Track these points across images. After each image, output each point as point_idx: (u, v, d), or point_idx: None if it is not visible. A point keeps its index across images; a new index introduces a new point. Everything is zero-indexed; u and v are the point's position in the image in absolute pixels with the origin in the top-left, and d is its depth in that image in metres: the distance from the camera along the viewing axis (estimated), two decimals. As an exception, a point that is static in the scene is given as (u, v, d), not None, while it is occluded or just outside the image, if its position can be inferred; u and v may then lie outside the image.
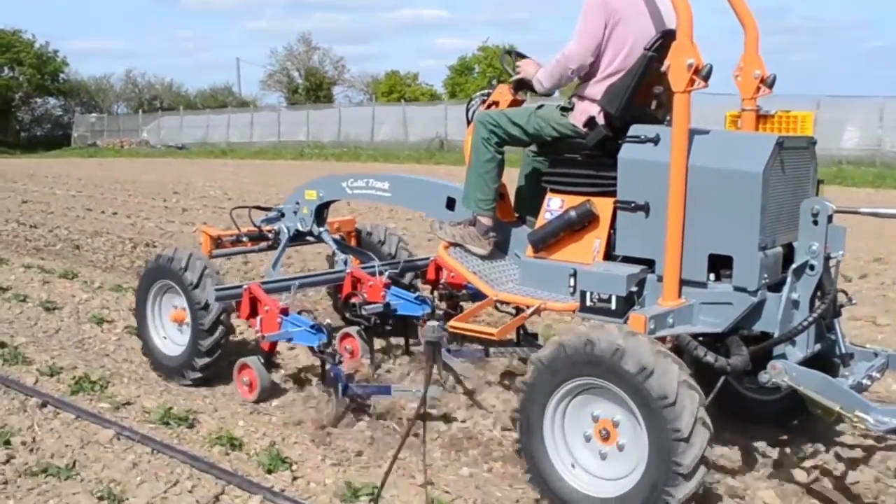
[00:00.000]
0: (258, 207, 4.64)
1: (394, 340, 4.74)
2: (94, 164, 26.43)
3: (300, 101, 42.00)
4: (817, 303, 3.03)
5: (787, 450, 3.56)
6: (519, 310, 3.68)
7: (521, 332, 4.26)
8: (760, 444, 3.60)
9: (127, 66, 72.63)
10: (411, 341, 4.50)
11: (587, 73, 3.41)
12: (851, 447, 3.52)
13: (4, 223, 10.52)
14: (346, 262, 4.39)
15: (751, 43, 3.49)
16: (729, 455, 3.51)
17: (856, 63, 78.51)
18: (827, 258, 3.08)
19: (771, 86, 3.49)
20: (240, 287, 3.94)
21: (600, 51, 3.30)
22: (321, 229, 4.46)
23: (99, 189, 15.80)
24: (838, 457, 3.49)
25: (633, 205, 3.19)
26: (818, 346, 3.25)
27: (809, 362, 3.10)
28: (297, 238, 4.58)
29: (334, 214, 5.11)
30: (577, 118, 3.36)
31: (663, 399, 2.61)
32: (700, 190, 3.05)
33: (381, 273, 4.22)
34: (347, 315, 4.33)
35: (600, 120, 3.32)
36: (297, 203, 4.50)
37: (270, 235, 4.55)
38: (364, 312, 4.09)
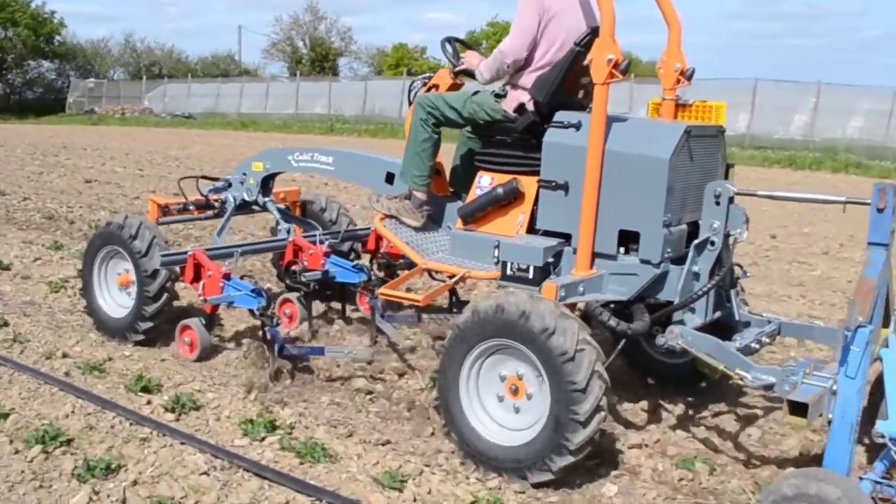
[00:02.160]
0: (206, 178, 4.84)
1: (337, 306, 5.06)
2: (113, 133, 24.97)
3: (304, 72, 41.02)
4: (714, 274, 3.35)
5: (690, 409, 3.91)
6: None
7: (454, 299, 4.55)
8: (669, 404, 4.05)
9: (106, 30, 69.78)
10: (348, 307, 4.74)
11: (521, 64, 3.68)
12: (750, 407, 3.90)
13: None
14: (288, 231, 4.60)
15: (673, 39, 3.87)
16: (636, 410, 3.89)
17: (852, 51, 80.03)
18: (727, 235, 3.42)
19: (690, 78, 3.87)
20: (185, 253, 4.19)
21: (535, 45, 3.57)
22: (266, 199, 4.72)
23: (162, 166, 14.64)
24: (736, 414, 3.97)
25: (554, 184, 3.53)
26: (717, 315, 3.59)
27: (710, 328, 3.50)
28: (244, 207, 4.77)
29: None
30: (509, 104, 3.68)
31: (563, 355, 2.98)
32: (613, 172, 3.40)
33: (321, 242, 4.45)
34: (288, 282, 4.56)
35: (530, 107, 3.65)
36: (244, 174, 4.75)
37: (217, 204, 4.72)
38: (303, 279, 4.33)
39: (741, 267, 3.78)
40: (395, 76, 36.59)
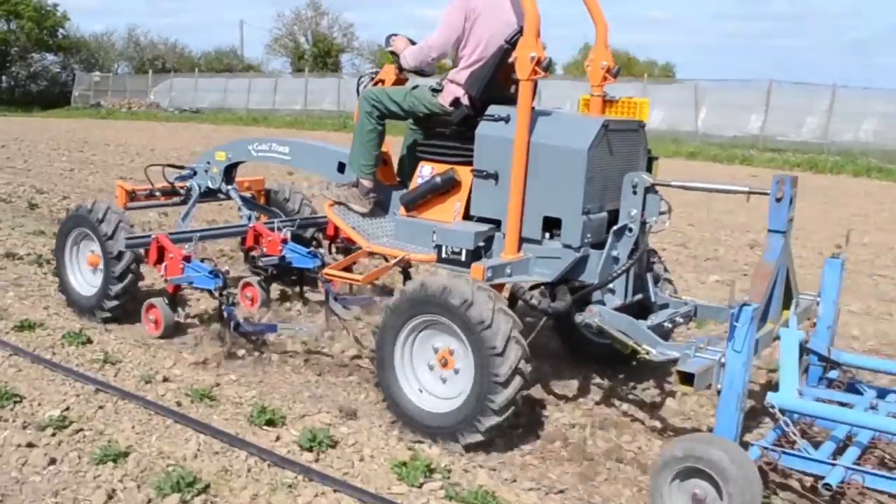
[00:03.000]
0: (172, 166, 5.11)
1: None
2: (127, 128, 24.86)
3: (307, 68, 41.11)
4: (629, 259, 3.60)
5: (619, 385, 4.36)
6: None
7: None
8: (600, 380, 4.42)
9: (101, 24, 69.99)
10: (305, 290, 4.99)
11: (456, 60, 3.92)
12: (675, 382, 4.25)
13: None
14: (249, 218, 4.85)
15: (600, 38, 4.15)
16: (570, 385, 4.28)
17: (840, 52, 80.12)
18: (643, 223, 3.66)
19: (615, 76, 4.11)
20: (148, 236, 4.42)
21: (461, 42, 3.86)
22: (229, 187, 4.99)
23: (191, 163, 14.76)
24: (661, 389, 4.33)
25: (485, 173, 3.81)
26: (638, 297, 3.83)
27: (633, 310, 3.84)
28: (209, 195, 5.02)
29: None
30: (445, 98, 3.94)
31: (481, 323, 3.31)
32: (538, 162, 3.68)
33: (279, 229, 4.70)
34: (249, 266, 4.80)
35: (464, 101, 3.92)
36: (208, 163, 4.99)
37: (182, 192, 4.97)
38: (261, 264, 4.57)
39: (656, 252, 4.03)
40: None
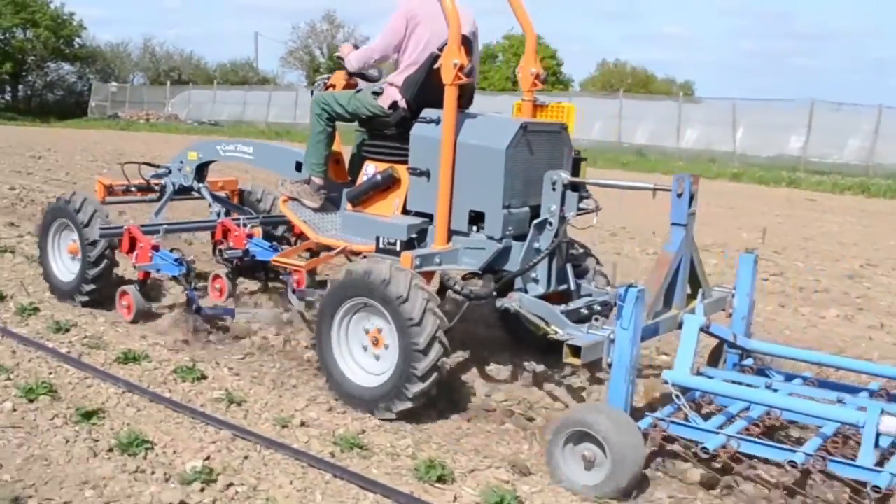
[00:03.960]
0: (147, 164, 5.51)
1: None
2: (154, 140, 24.76)
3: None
4: (547, 250, 3.93)
5: (551, 370, 4.69)
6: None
7: None
8: (535, 364, 4.73)
9: (110, 33, 71.30)
10: (269, 284, 5.37)
11: (396, 65, 4.27)
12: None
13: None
14: (219, 214, 5.23)
15: (529, 47, 4.53)
16: (502, 370, 4.68)
17: (861, 71, 79.94)
18: (562, 217, 3.99)
19: (544, 82, 4.48)
20: (121, 227, 4.80)
21: (401, 48, 4.21)
22: (200, 185, 5.41)
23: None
24: (589, 373, 4.64)
25: (419, 171, 4.19)
26: (562, 287, 4.17)
27: (554, 298, 4.22)
28: (182, 192, 5.41)
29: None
30: (384, 101, 4.33)
31: (399, 298, 3.77)
32: (463, 161, 4.05)
33: (245, 225, 5.07)
34: (217, 259, 5.17)
35: (402, 104, 4.30)
36: (182, 162, 5.39)
37: (157, 188, 5.37)
38: (226, 256, 4.95)
39: (575, 244, 4.35)
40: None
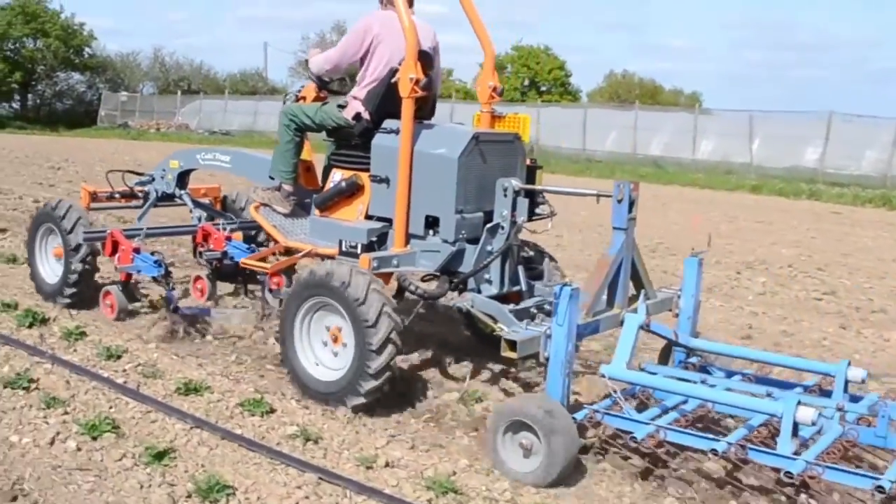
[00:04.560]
0: (131, 172, 5.80)
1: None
2: (170, 149, 24.05)
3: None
4: (497, 252, 4.18)
5: (509, 367, 4.94)
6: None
7: None
8: (491, 363, 5.01)
9: (117, 45, 72.16)
10: (249, 286, 5.63)
11: (359, 79, 4.56)
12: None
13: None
14: (199, 219, 5.51)
15: (487, 62, 4.84)
16: (459, 367, 4.94)
17: (864, 82, 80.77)
18: (513, 222, 4.24)
19: (500, 94, 4.74)
20: (104, 231, 5.09)
21: (360, 62, 4.52)
22: (182, 192, 5.68)
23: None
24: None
25: (379, 178, 4.46)
26: (516, 288, 4.40)
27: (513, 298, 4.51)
28: (166, 199, 5.69)
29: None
30: (349, 113, 4.62)
31: (357, 300, 4.01)
32: (419, 168, 4.34)
33: (224, 228, 5.35)
34: (198, 261, 5.44)
35: (364, 115, 4.59)
36: (164, 170, 5.67)
37: (140, 195, 5.66)
38: (206, 258, 5.23)
39: (528, 246, 4.59)
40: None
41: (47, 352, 4.69)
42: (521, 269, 4.63)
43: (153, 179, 5.98)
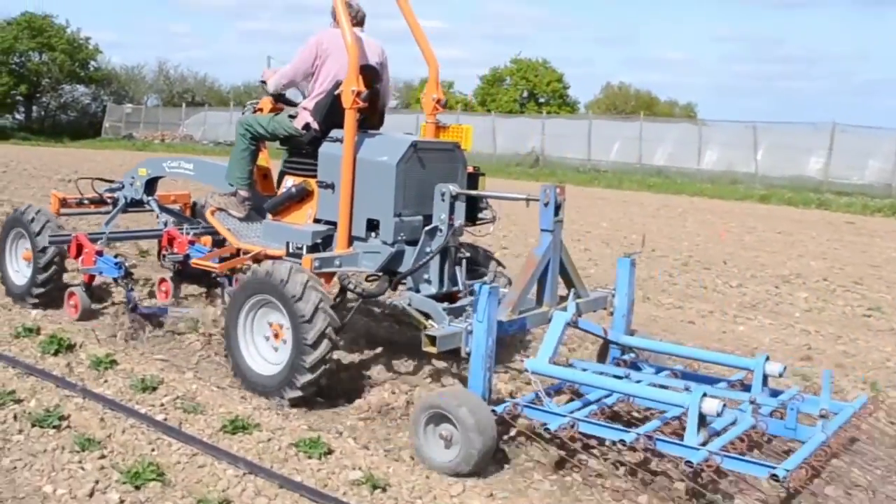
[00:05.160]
0: (101, 179, 6.09)
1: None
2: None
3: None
4: (432, 253, 4.42)
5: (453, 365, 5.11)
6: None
7: None
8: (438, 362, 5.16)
9: (120, 57, 73.01)
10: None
11: (309, 91, 4.82)
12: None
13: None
14: (165, 223, 5.78)
15: (432, 76, 5.10)
16: (406, 366, 5.15)
17: (852, 93, 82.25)
18: (451, 225, 4.48)
19: (444, 106, 5.01)
20: (69, 235, 5.36)
21: (310, 76, 4.76)
22: (150, 198, 5.93)
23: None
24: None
25: (326, 184, 4.69)
26: (455, 288, 4.64)
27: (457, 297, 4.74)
28: (135, 205, 5.97)
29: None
30: (299, 123, 4.89)
31: (294, 297, 4.18)
32: (362, 175, 4.61)
33: (188, 233, 5.61)
34: (162, 263, 5.70)
35: (313, 125, 4.85)
36: (133, 178, 5.93)
37: (110, 201, 5.94)
38: (169, 260, 5.48)
39: (464, 248, 4.82)
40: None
41: (77, 384, 4.39)
42: (458, 269, 4.87)
43: (123, 186, 6.25)
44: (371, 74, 4.97)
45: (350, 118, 4.65)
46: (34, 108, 43.71)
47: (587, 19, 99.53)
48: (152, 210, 6.23)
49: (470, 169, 5.18)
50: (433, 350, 3.92)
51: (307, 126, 5.00)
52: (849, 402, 4.43)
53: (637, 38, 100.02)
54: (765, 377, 4.24)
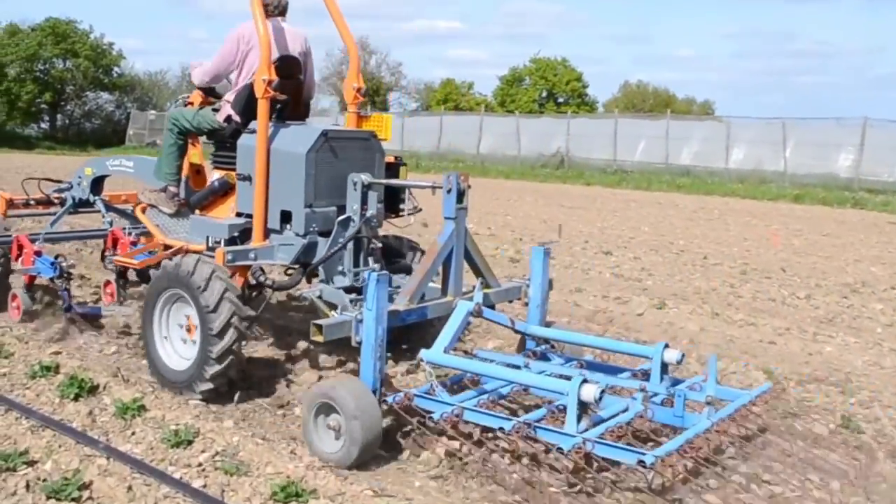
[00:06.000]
0: (48, 179, 6.28)
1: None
2: None
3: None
4: (340, 244, 4.49)
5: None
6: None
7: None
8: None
9: (143, 63, 74.52)
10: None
11: (233, 84, 4.94)
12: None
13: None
14: (111, 223, 5.94)
15: (352, 66, 5.15)
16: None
17: (867, 88, 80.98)
18: (363, 215, 4.55)
19: (364, 95, 5.09)
20: (10, 236, 5.55)
21: (233, 69, 4.86)
22: (96, 198, 6.09)
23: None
24: None
25: (244, 176, 4.77)
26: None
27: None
28: (84, 205, 6.14)
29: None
30: (221, 116, 5.02)
31: (199, 287, 4.30)
32: (275, 166, 4.70)
33: (130, 233, 5.76)
34: (105, 265, 5.86)
35: (234, 117, 4.94)
36: (80, 177, 6.09)
37: (57, 201, 6.13)
38: (111, 261, 5.62)
39: (377, 239, 4.88)
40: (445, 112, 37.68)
41: (100, 442, 3.86)
42: (371, 260, 4.93)
43: (71, 186, 6.45)
44: (292, 65, 5.07)
45: (262, 108, 4.71)
46: (59, 116, 44.35)
47: (601, 16, 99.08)
48: (98, 210, 6.43)
49: (391, 159, 5.24)
50: (320, 339, 3.98)
51: (228, 119, 5.07)
52: (745, 389, 4.43)
53: (649, 35, 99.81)
54: (665, 365, 4.22)
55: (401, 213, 5.22)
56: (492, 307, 4.76)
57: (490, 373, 4.07)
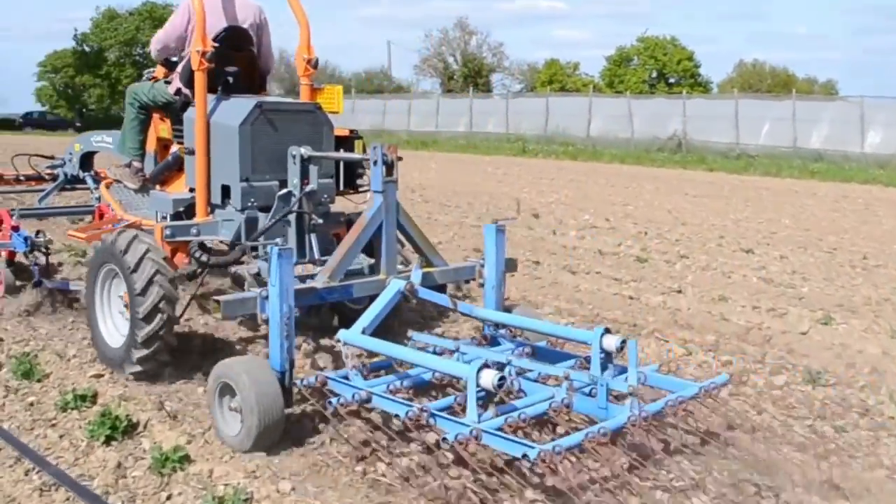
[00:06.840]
0: (39, 156, 6.45)
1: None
2: None
3: (456, 88, 43.23)
4: (271, 220, 4.38)
5: None
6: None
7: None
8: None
9: None
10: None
11: (184, 56, 4.91)
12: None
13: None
14: (98, 199, 6.07)
15: (303, 36, 5.08)
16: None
17: None
18: (303, 188, 4.44)
19: (315, 67, 4.93)
20: None
21: (184, 39, 4.81)
22: (85, 174, 6.21)
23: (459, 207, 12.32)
24: None
25: (190, 150, 4.73)
26: (325, 258, 4.58)
27: None
28: (75, 181, 6.31)
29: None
30: (171, 89, 4.96)
31: (129, 268, 4.25)
32: (214, 138, 4.59)
33: (114, 209, 5.87)
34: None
35: (184, 90, 4.87)
36: (70, 154, 6.24)
37: (48, 178, 6.32)
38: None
39: (314, 216, 4.71)
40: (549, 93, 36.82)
41: None
42: (314, 237, 4.77)
43: (64, 163, 6.64)
44: (242, 36, 4.98)
45: (199, 80, 4.59)
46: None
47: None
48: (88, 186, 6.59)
49: (345, 132, 5.07)
50: (219, 315, 3.88)
51: (178, 91, 5.01)
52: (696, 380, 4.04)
53: (761, 12, 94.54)
54: (608, 353, 3.88)
55: (360, 189, 5.06)
56: (439, 288, 4.54)
57: (396, 355, 3.85)
